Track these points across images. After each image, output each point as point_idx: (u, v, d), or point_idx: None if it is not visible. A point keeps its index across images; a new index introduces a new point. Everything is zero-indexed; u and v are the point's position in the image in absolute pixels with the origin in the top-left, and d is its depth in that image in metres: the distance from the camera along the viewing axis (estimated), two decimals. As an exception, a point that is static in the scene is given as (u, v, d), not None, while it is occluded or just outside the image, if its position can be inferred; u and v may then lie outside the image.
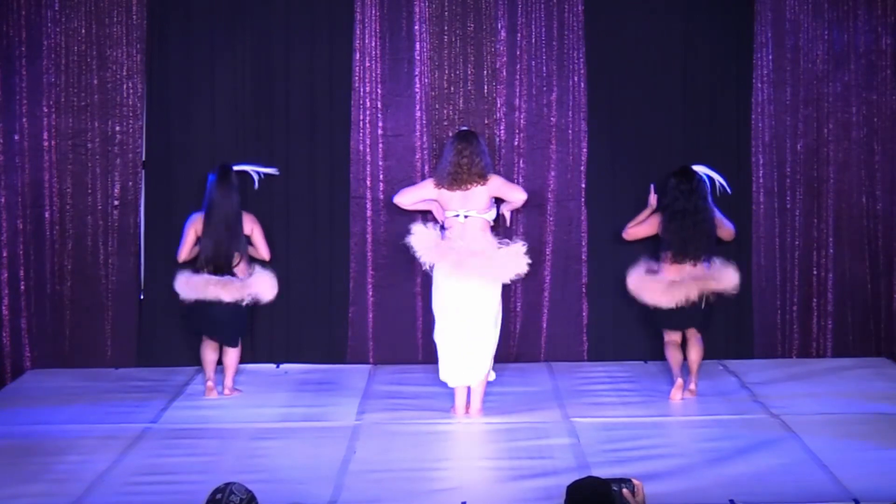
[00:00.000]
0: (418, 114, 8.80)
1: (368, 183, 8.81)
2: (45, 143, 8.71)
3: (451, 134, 8.24)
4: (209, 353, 8.04)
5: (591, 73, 8.81)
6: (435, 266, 7.48)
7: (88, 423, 7.34)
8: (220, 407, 7.78)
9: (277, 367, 8.78)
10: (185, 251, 8.01)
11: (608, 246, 8.80)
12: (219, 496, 4.00)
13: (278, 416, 7.53)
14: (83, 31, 8.70)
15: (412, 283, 8.82)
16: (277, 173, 8.50)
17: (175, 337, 8.75)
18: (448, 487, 6.14)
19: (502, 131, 8.78)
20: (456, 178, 7.47)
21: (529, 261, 7.48)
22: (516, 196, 7.81)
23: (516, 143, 8.79)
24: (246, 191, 8.31)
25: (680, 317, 7.81)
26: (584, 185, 8.85)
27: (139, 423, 7.32)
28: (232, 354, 8.06)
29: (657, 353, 8.56)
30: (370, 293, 8.87)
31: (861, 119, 8.87)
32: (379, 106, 8.80)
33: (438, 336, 7.57)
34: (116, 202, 8.76)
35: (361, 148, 8.81)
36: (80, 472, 6.33)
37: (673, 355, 7.90)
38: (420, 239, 7.51)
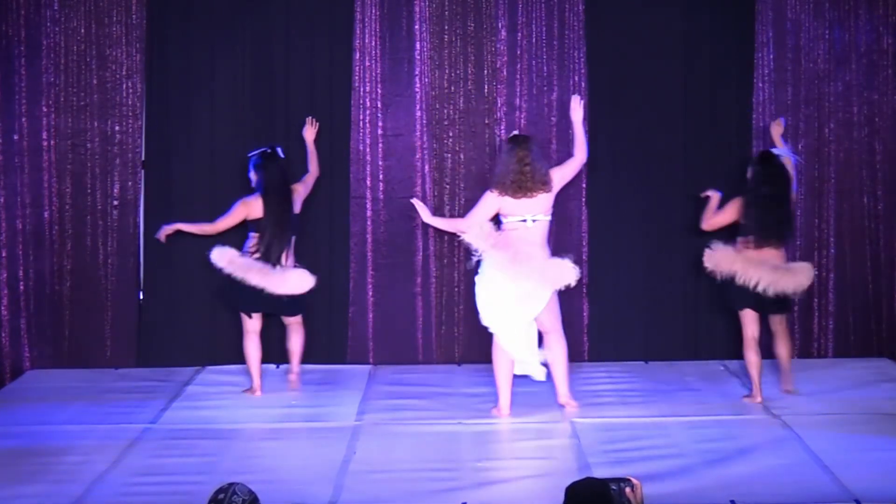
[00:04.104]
0: (418, 113, 8.79)
1: (368, 183, 8.80)
2: (45, 143, 8.70)
3: (504, 139, 7.91)
4: (252, 349, 7.93)
5: (592, 73, 8.80)
6: (487, 257, 7.41)
7: (88, 423, 7.34)
8: (220, 407, 7.76)
9: (277, 367, 8.77)
10: (224, 224, 7.84)
11: (608, 246, 8.80)
12: (221, 496, 3.99)
13: (278, 417, 7.52)
14: (83, 30, 8.70)
15: (412, 283, 8.81)
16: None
17: (175, 337, 8.75)
18: (448, 488, 6.13)
19: (502, 131, 8.76)
20: (522, 187, 7.43)
21: (577, 272, 7.47)
22: (575, 167, 7.78)
23: (517, 143, 8.77)
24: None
25: (757, 297, 7.59)
26: (584, 185, 8.84)
27: (139, 423, 7.31)
28: (296, 337, 7.99)
29: (657, 353, 8.57)
30: (370, 293, 8.86)
31: (862, 119, 8.86)
32: (379, 106, 8.79)
33: (491, 323, 7.52)
34: (116, 202, 8.76)
35: (361, 148, 8.80)
36: (80, 472, 6.33)
37: (751, 358, 7.69)
38: (476, 234, 7.43)
